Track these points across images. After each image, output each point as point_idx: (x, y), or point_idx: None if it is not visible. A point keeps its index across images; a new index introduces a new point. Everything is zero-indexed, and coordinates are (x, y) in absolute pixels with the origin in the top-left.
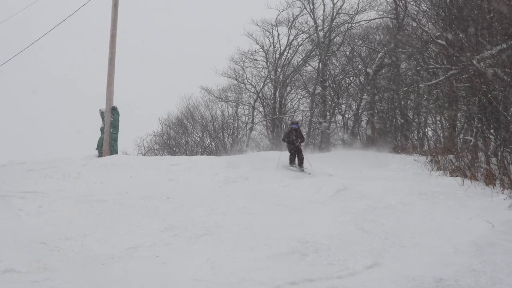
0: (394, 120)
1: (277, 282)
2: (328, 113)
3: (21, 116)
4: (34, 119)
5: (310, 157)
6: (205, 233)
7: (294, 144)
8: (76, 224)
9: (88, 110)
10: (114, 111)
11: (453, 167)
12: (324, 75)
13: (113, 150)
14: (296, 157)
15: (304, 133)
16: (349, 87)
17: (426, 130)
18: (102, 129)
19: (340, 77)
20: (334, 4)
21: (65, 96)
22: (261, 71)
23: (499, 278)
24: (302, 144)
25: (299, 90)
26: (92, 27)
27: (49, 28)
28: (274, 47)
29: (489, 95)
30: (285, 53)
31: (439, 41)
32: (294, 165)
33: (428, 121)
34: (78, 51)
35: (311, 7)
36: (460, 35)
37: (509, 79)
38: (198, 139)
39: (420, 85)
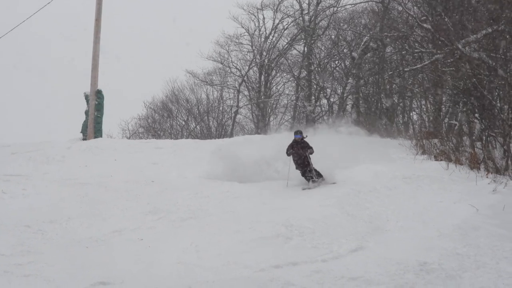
0: (379, 104)
1: (262, 265)
2: (313, 97)
3: (3, 98)
4: (18, 100)
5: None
6: (190, 217)
7: (301, 162)
8: (60, 207)
9: (73, 93)
10: (99, 94)
11: (437, 151)
12: (309, 59)
13: (97, 133)
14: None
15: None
16: (334, 71)
17: (411, 114)
18: (86, 112)
19: (326, 61)
20: None
21: (50, 77)
22: (246, 54)
23: (483, 261)
24: (311, 153)
25: (284, 74)
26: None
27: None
28: (260, 30)
29: (474, 80)
30: (271, 37)
31: (425, 25)
32: (313, 180)
33: (413, 105)
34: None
35: None
36: (446, 19)
37: (494, 63)
38: (183, 123)
39: (405, 69)
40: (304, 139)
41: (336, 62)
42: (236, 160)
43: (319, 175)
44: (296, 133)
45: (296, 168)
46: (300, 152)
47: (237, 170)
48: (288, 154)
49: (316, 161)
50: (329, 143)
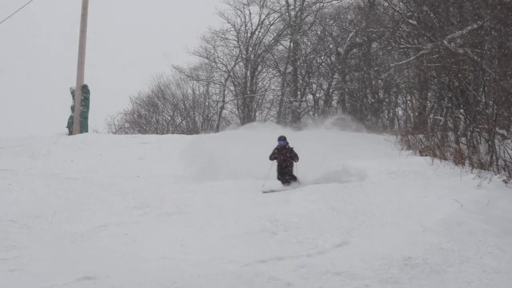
0: (364, 100)
1: (247, 260)
2: (299, 92)
3: None
4: (2, 96)
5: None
6: (175, 211)
7: (286, 166)
8: (45, 202)
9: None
10: (84, 89)
11: (422, 146)
12: (295, 54)
13: (83, 128)
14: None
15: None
16: (320, 66)
17: (396, 109)
18: (72, 107)
19: (312, 56)
20: None
21: (36, 73)
22: (232, 50)
23: (467, 256)
24: (296, 161)
25: (270, 69)
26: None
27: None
28: (246, 26)
29: (459, 75)
30: (257, 32)
31: (410, 21)
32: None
33: (398, 101)
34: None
35: None
36: (431, 15)
37: (479, 59)
38: (169, 118)
39: (391, 65)
40: (288, 145)
41: (322, 57)
42: (209, 158)
43: (295, 179)
44: (280, 139)
45: (278, 175)
46: (284, 158)
47: (208, 169)
48: (272, 159)
49: (306, 159)
50: (315, 139)
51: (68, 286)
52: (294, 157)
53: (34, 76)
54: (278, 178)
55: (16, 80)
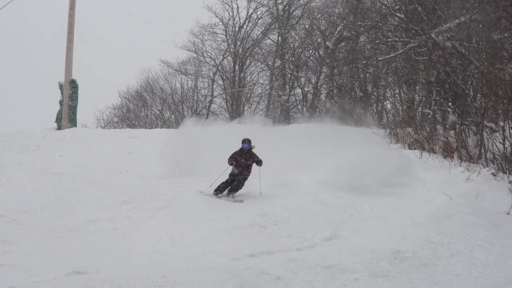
0: (353, 93)
1: (237, 254)
2: (287, 86)
3: None
4: None
5: (269, 130)
6: (165, 206)
7: (242, 173)
8: (35, 197)
9: (47, 82)
10: (73, 83)
11: (411, 140)
12: (283, 49)
13: (72, 123)
14: (233, 185)
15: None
16: (309, 60)
17: (385, 103)
18: (61, 102)
19: (300, 50)
20: None
21: (24, 67)
22: (221, 44)
23: (456, 249)
24: (260, 165)
25: (259, 63)
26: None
27: None
28: (234, 20)
29: (448, 68)
30: (245, 26)
31: (398, 14)
32: (220, 195)
33: (387, 94)
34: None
35: None
36: (419, 8)
37: (467, 52)
38: (158, 112)
39: (379, 58)
40: (252, 149)
41: (310, 51)
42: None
43: (240, 188)
44: (244, 141)
45: (230, 177)
46: (245, 164)
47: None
48: (230, 164)
49: (295, 154)
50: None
51: (58, 281)
52: (255, 159)
53: (22, 71)
54: (230, 178)
55: (3, 74)
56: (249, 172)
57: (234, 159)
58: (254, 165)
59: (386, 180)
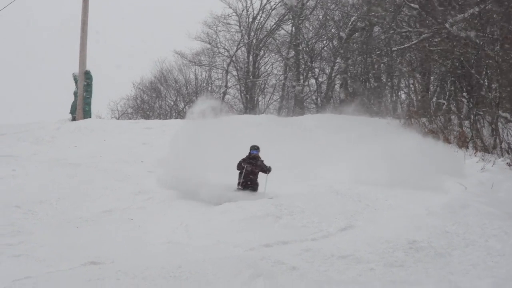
0: (367, 84)
1: (252, 244)
2: (301, 77)
3: None
4: (5, 82)
5: (283, 120)
6: (179, 196)
7: (247, 186)
8: (50, 187)
9: (62, 74)
10: (87, 75)
11: (426, 130)
12: (297, 39)
13: (86, 114)
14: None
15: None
16: (322, 51)
17: (399, 93)
18: (75, 93)
19: (314, 41)
20: None
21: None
22: (234, 35)
23: (471, 239)
24: (268, 173)
25: (273, 54)
26: None
27: None
28: (247, 11)
29: (462, 59)
30: (258, 17)
31: (412, 4)
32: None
33: (401, 85)
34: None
35: None
36: None
37: (481, 43)
38: (172, 103)
39: (393, 49)
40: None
41: (324, 42)
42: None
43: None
44: (252, 148)
45: (239, 186)
46: (252, 169)
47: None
48: (239, 168)
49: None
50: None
51: (73, 271)
52: (265, 170)
53: (36, 63)
54: (239, 189)
55: (18, 66)
56: (256, 184)
57: (243, 164)
58: (260, 173)
59: (435, 177)
